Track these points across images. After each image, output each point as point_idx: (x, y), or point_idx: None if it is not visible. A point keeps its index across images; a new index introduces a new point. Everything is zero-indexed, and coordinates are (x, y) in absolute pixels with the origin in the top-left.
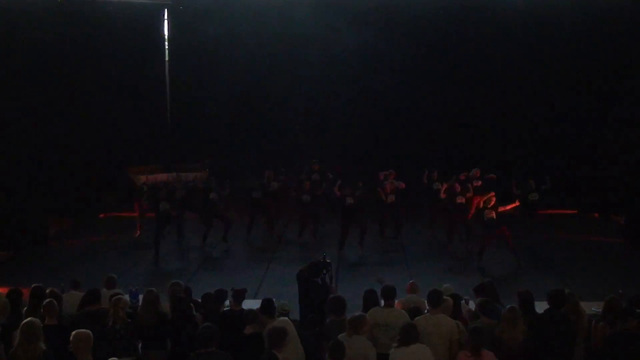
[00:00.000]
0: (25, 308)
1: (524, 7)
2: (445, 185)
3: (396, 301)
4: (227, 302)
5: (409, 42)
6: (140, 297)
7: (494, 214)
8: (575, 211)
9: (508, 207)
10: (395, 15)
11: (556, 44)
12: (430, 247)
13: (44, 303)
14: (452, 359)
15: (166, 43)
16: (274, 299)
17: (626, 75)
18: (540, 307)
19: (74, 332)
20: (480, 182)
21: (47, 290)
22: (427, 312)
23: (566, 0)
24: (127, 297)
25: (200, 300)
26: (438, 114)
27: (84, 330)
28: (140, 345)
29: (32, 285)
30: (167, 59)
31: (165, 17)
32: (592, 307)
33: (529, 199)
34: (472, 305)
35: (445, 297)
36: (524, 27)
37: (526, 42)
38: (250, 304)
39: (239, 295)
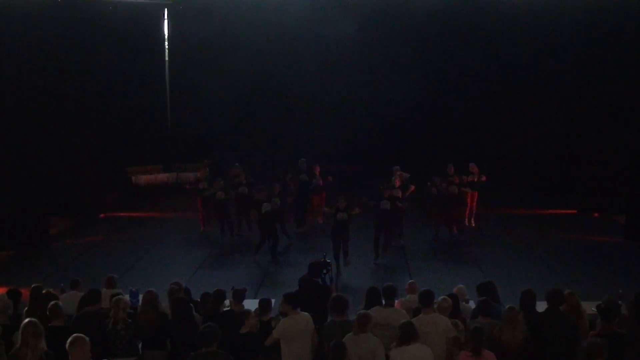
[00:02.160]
0: (26, 308)
1: (525, 8)
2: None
3: (396, 301)
4: (227, 302)
5: (409, 41)
6: (140, 297)
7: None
8: (575, 211)
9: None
10: (396, 14)
11: (556, 44)
12: (431, 247)
13: (50, 305)
14: (448, 357)
15: (166, 42)
16: (272, 300)
17: (626, 74)
18: (541, 307)
19: (70, 337)
20: (476, 178)
21: (44, 291)
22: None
23: (567, 1)
24: (127, 297)
25: (199, 300)
26: (438, 112)
27: (80, 334)
28: (140, 345)
29: (32, 286)
30: (167, 58)
31: (165, 16)
32: (592, 307)
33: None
34: (472, 304)
35: (444, 297)
36: (523, 27)
37: (526, 42)
38: (251, 304)
39: (240, 295)
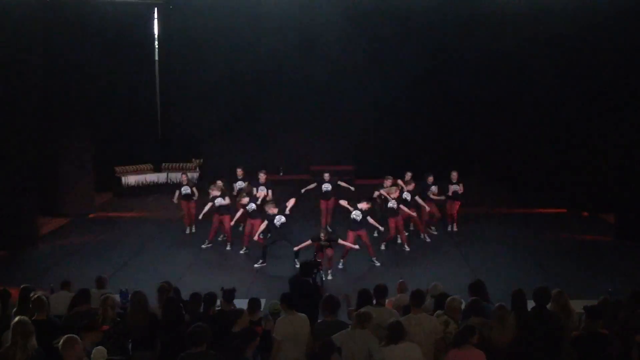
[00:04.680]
0: (15, 309)
1: (520, 7)
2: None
3: (387, 300)
4: (218, 303)
5: (404, 40)
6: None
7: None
8: (565, 210)
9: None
10: (394, 13)
11: (547, 43)
12: (422, 247)
13: (33, 298)
14: (436, 358)
15: (156, 42)
16: (262, 300)
17: (617, 73)
18: (530, 306)
19: (63, 337)
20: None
21: (32, 295)
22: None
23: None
24: (117, 296)
25: (189, 300)
26: (430, 111)
27: (72, 335)
28: (130, 345)
29: (21, 286)
30: (157, 58)
31: (155, 16)
32: (581, 306)
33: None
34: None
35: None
36: (515, 25)
37: (518, 40)
38: (241, 304)
39: (229, 295)
